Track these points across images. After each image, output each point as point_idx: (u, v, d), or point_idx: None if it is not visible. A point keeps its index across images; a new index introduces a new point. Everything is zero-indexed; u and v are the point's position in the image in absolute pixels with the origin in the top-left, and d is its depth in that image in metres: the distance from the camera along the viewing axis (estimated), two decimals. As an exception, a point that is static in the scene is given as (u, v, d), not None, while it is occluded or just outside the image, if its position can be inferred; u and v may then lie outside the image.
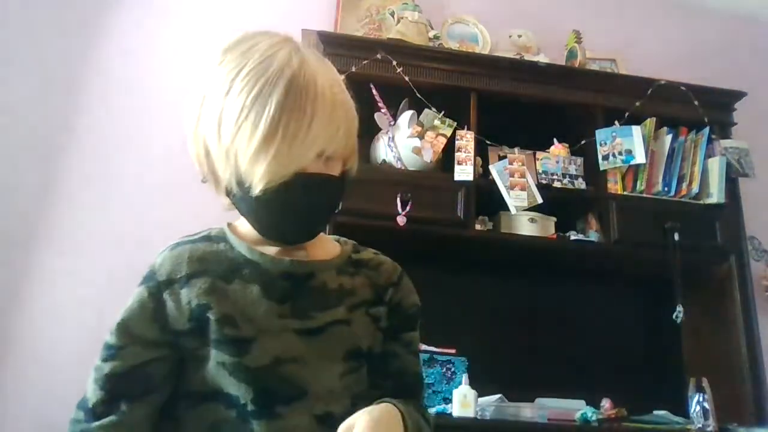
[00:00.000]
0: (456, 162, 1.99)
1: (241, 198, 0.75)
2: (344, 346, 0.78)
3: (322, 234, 0.86)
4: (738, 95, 2.29)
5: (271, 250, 0.81)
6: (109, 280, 2.12)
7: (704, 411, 1.77)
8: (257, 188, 0.69)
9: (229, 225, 0.87)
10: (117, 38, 2.40)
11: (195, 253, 0.81)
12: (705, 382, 1.80)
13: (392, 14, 2.25)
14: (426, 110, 2.05)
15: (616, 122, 2.14)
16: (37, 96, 2.26)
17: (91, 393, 0.74)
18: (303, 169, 0.71)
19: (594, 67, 2.42)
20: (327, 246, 0.87)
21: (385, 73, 2.04)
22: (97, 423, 0.71)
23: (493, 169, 2.06)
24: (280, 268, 0.79)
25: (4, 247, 2.08)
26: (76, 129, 2.26)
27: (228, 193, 0.78)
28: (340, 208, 0.88)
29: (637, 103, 2.17)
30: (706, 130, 2.19)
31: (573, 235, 2.08)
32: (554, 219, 2.09)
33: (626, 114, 2.15)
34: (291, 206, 0.74)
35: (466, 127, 2.05)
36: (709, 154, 2.18)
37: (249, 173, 0.69)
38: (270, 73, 0.69)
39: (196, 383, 0.73)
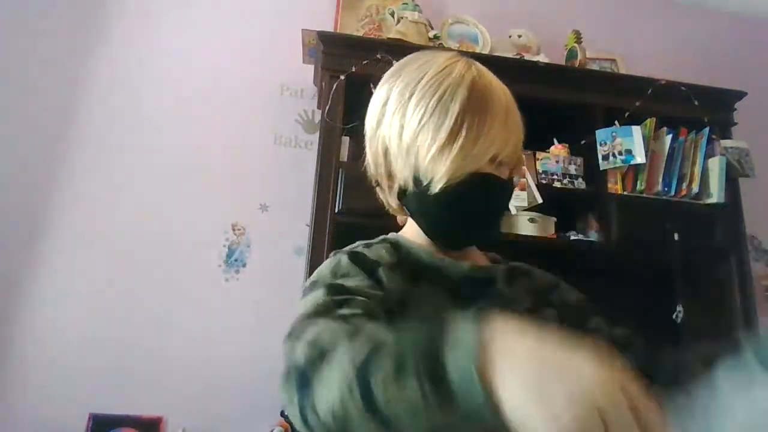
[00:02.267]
0: (456, 162, 1.99)
1: (415, 196, 0.78)
2: None
3: (476, 248, 0.87)
4: (738, 95, 2.28)
5: (448, 257, 0.81)
6: (109, 281, 2.12)
7: (704, 411, 1.77)
8: (438, 185, 0.72)
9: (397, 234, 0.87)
10: (119, 38, 2.40)
11: (382, 252, 0.80)
12: (705, 382, 1.80)
13: (392, 14, 2.25)
14: (426, 110, 2.05)
15: (616, 122, 2.14)
16: (37, 96, 2.26)
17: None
18: (480, 169, 0.74)
19: (594, 67, 2.42)
20: (479, 255, 0.88)
21: (385, 73, 2.04)
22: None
23: (493, 169, 2.06)
24: (461, 272, 0.80)
25: (4, 248, 2.08)
26: (76, 128, 2.26)
27: (401, 194, 0.80)
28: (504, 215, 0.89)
29: (637, 103, 2.16)
30: (706, 130, 2.19)
31: (573, 235, 2.08)
32: (554, 219, 2.09)
33: (626, 114, 2.14)
34: (468, 205, 0.76)
35: (466, 127, 2.05)
36: (709, 154, 2.17)
37: (430, 170, 0.73)
38: (452, 78, 0.75)
39: None
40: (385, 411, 0.47)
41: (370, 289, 0.70)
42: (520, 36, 2.42)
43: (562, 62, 2.35)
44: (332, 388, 0.51)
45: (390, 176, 0.80)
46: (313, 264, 1.83)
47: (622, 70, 2.46)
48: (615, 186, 2.11)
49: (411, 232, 0.85)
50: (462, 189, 0.73)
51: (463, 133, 0.71)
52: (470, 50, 2.31)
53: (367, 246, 0.82)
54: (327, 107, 1.98)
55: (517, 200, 2.00)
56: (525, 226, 2.02)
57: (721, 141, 2.18)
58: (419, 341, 0.48)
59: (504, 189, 0.79)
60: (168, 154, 2.29)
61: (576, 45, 2.35)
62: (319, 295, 0.69)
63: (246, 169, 2.32)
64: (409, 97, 0.75)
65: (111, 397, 1.98)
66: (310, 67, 2.35)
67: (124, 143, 2.27)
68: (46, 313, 2.05)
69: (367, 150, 0.84)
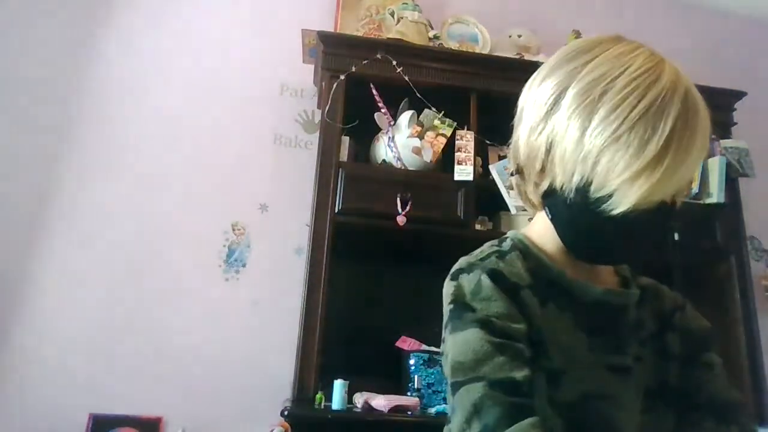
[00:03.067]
0: (456, 162, 1.99)
1: (573, 206, 0.67)
2: (642, 384, 0.70)
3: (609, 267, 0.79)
4: (738, 95, 2.28)
5: (577, 272, 0.73)
6: (109, 281, 2.12)
7: (704, 411, 1.77)
8: (620, 208, 0.62)
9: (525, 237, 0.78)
10: (117, 38, 2.40)
11: (519, 269, 0.72)
12: (705, 382, 1.80)
13: (392, 14, 2.25)
14: (426, 110, 2.05)
15: (616, 122, 2.14)
16: (36, 97, 2.26)
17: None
18: (670, 198, 0.65)
19: (594, 67, 2.41)
20: (613, 277, 0.78)
21: (385, 73, 2.04)
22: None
23: (493, 169, 2.06)
24: (593, 296, 0.72)
25: (4, 248, 2.08)
26: (76, 127, 2.27)
27: (549, 192, 0.70)
28: None
29: (637, 103, 2.16)
30: (706, 130, 2.19)
31: (573, 235, 2.08)
32: (554, 219, 2.09)
33: (626, 114, 2.14)
34: (643, 234, 0.67)
35: (466, 127, 2.05)
36: (709, 154, 2.17)
37: (614, 189, 0.62)
38: (661, 86, 0.65)
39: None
40: None
41: (513, 323, 0.65)
42: (520, 36, 2.42)
43: (562, 62, 2.35)
44: None
45: (543, 171, 0.70)
46: (313, 264, 1.83)
47: (622, 70, 2.46)
48: (615, 186, 2.11)
49: (539, 233, 0.76)
50: (646, 217, 0.63)
51: (669, 157, 0.61)
52: (470, 50, 2.31)
53: (500, 257, 0.72)
54: (327, 107, 1.98)
55: (518, 200, 2.00)
56: (525, 225, 2.02)
57: (721, 141, 2.18)
58: None
59: (673, 217, 0.69)
60: (168, 154, 2.29)
61: (576, 45, 2.35)
62: (475, 335, 0.64)
63: (246, 169, 2.32)
64: (600, 97, 0.63)
65: (111, 397, 1.98)
66: (310, 67, 2.35)
67: (124, 143, 2.27)
68: (46, 313, 2.05)
69: (527, 135, 0.72)
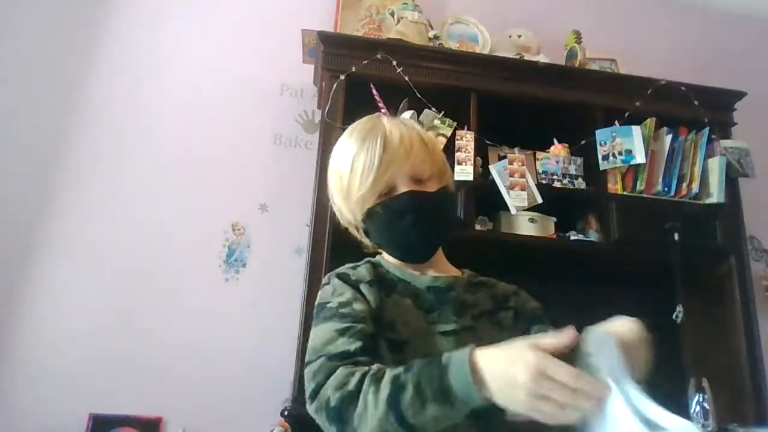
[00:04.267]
0: (456, 162, 1.99)
1: (366, 231, 1.00)
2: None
3: (446, 260, 1.03)
4: (738, 95, 2.28)
5: (416, 270, 0.98)
6: (109, 281, 2.12)
7: (704, 411, 1.77)
8: (366, 205, 0.93)
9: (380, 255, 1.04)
10: (117, 39, 2.40)
11: (364, 272, 0.97)
12: (705, 382, 1.80)
13: (392, 14, 2.25)
14: (426, 110, 2.05)
15: (616, 122, 2.14)
16: (36, 97, 2.26)
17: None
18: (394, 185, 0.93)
19: (594, 67, 2.42)
20: (450, 268, 1.03)
21: (385, 73, 2.04)
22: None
23: (493, 169, 2.06)
24: (425, 283, 0.96)
25: (4, 249, 2.08)
26: (76, 127, 2.27)
27: (363, 230, 1.01)
28: (453, 222, 1.11)
29: (637, 103, 2.17)
30: (706, 130, 2.19)
31: (573, 235, 2.08)
32: (554, 219, 2.09)
33: (626, 114, 2.14)
34: (393, 222, 0.94)
35: (466, 127, 2.05)
36: (709, 154, 2.18)
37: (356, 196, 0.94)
38: (359, 130, 1.01)
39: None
40: (416, 426, 0.70)
41: (359, 303, 0.88)
42: (520, 36, 2.42)
43: (562, 62, 2.35)
44: (370, 421, 0.72)
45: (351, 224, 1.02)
46: (313, 264, 1.83)
47: (622, 70, 2.46)
48: (615, 186, 2.11)
49: (387, 255, 1.02)
50: (392, 205, 0.93)
51: (360, 163, 0.93)
52: (470, 50, 2.31)
53: (353, 268, 0.98)
54: (327, 107, 1.98)
55: (517, 200, 2.00)
56: (525, 226, 2.02)
57: (721, 141, 2.18)
58: (427, 374, 0.71)
59: (418, 199, 0.93)
60: (168, 154, 2.29)
61: (576, 45, 2.35)
62: (326, 326, 0.86)
63: (246, 169, 2.32)
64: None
65: (111, 397, 1.98)
66: (310, 67, 2.35)
67: (124, 143, 2.27)
68: (46, 313, 2.05)
69: (342, 216, 1.05)
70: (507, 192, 2.00)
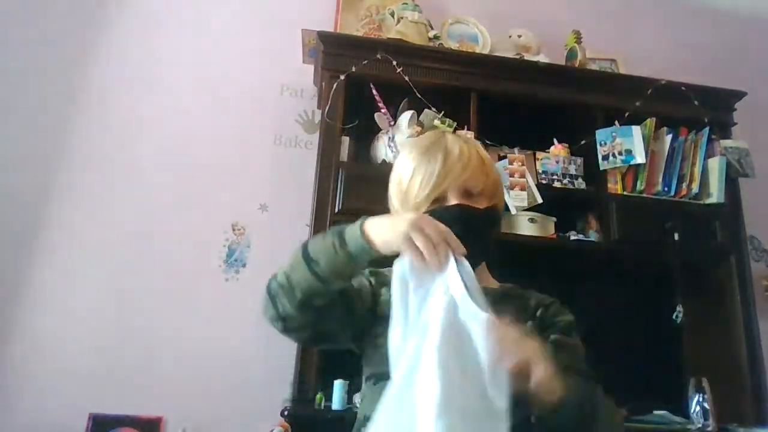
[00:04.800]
0: (456, 162, 1.98)
1: None
2: None
3: (489, 274, 1.07)
4: (738, 95, 2.28)
5: None
6: (109, 281, 2.12)
7: (704, 411, 1.77)
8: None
9: None
10: (116, 40, 2.40)
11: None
12: (705, 382, 1.80)
13: (392, 14, 2.25)
14: (426, 110, 2.05)
15: (616, 122, 2.14)
16: (37, 98, 2.26)
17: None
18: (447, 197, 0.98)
19: (594, 67, 2.41)
20: (492, 282, 1.07)
21: (385, 73, 2.04)
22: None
23: (493, 169, 2.06)
24: None
25: (4, 249, 2.08)
26: (76, 127, 2.27)
27: None
28: (490, 241, 1.07)
29: (637, 103, 2.17)
30: (706, 130, 2.19)
31: (573, 235, 2.08)
32: (554, 219, 2.09)
33: (626, 114, 2.14)
34: None
35: (466, 127, 2.05)
36: (709, 154, 2.18)
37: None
38: (421, 143, 1.06)
39: (374, 365, 0.94)
40: (312, 255, 0.86)
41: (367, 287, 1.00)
42: (520, 36, 2.42)
43: (562, 62, 2.35)
44: (288, 262, 0.90)
45: None
46: (313, 264, 1.82)
47: (622, 70, 2.46)
48: (615, 186, 2.11)
49: None
50: (440, 215, 0.93)
51: (419, 173, 0.99)
52: (470, 50, 2.31)
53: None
54: (327, 107, 1.98)
55: (517, 200, 2.00)
56: (525, 226, 2.02)
57: (721, 141, 2.18)
58: (336, 229, 0.86)
59: (464, 213, 0.96)
60: (168, 154, 2.29)
61: (576, 45, 2.35)
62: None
63: (246, 169, 2.32)
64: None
65: (111, 397, 1.98)
66: (310, 67, 2.35)
67: (124, 143, 2.27)
68: (46, 313, 2.05)
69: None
70: (507, 192, 2.00)
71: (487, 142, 2.11)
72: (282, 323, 0.93)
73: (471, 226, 0.95)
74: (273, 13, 2.53)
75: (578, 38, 2.38)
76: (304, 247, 0.88)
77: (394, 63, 2.05)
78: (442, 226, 0.81)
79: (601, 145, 2.12)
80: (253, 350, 2.10)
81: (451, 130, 2.03)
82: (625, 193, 2.11)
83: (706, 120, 2.20)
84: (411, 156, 1.03)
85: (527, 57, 2.29)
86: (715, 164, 2.14)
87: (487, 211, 1.01)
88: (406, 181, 1.01)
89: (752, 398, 1.97)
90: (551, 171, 2.13)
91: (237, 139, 2.35)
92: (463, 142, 1.04)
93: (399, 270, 0.80)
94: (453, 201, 0.98)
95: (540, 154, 2.16)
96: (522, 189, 2.01)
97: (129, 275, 2.13)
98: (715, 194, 2.11)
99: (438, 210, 0.96)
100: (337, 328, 0.96)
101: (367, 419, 0.88)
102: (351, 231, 0.84)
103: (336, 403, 1.69)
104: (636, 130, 2.11)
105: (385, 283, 0.97)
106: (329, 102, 1.98)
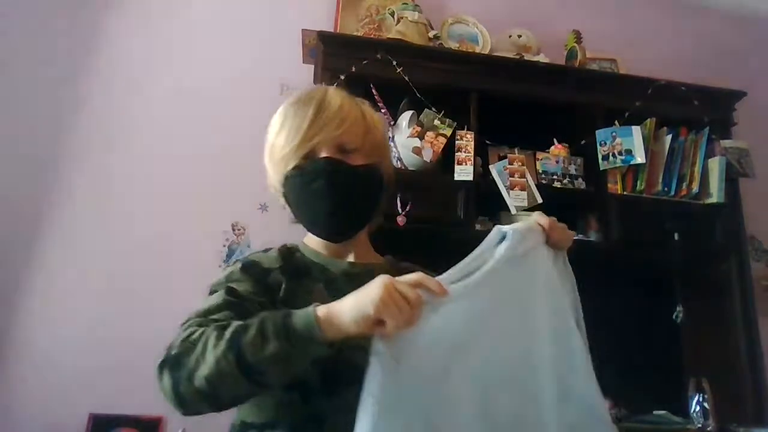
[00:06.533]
0: (456, 162, 1.99)
1: (285, 198, 0.99)
2: None
3: (371, 248, 1.03)
4: (738, 95, 2.29)
5: (333, 253, 0.98)
6: (109, 281, 2.12)
7: (704, 411, 1.77)
8: (288, 166, 0.93)
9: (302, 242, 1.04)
10: (116, 39, 2.40)
11: (274, 256, 0.97)
12: (705, 382, 1.80)
13: (392, 14, 2.25)
14: (426, 110, 2.05)
15: (616, 122, 2.14)
16: (36, 94, 2.26)
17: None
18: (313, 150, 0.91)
19: (594, 67, 2.42)
20: (372, 255, 1.03)
21: (385, 73, 2.04)
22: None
23: (493, 169, 2.06)
24: (341, 268, 0.96)
25: (4, 249, 2.08)
26: (76, 127, 2.26)
27: (283, 197, 1.00)
28: (376, 203, 1.01)
29: (637, 103, 2.17)
30: (706, 130, 2.19)
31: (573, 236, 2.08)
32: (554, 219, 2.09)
33: (626, 114, 2.15)
34: (310, 188, 0.91)
35: (466, 127, 2.05)
36: (709, 154, 2.18)
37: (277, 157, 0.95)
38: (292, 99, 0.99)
39: None
40: (254, 365, 0.69)
41: (254, 296, 0.86)
42: (520, 36, 2.42)
43: (562, 62, 2.35)
44: (207, 360, 0.70)
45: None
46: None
47: (622, 70, 2.46)
48: (615, 186, 2.11)
49: (308, 237, 1.03)
50: (309, 168, 0.92)
51: (287, 126, 0.93)
52: (470, 50, 2.31)
53: (265, 252, 0.99)
54: (327, 107, 1.98)
55: (517, 200, 2.00)
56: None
57: (721, 141, 2.18)
58: (272, 317, 0.72)
59: (337, 168, 0.91)
60: (168, 154, 2.28)
61: (576, 45, 2.35)
62: (217, 295, 0.85)
63: (246, 169, 2.31)
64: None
65: (111, 397, 1.98)
66: (310, 67, 2.35)
67: (124, 143, 2.27)
68: (46, 313, 2.05)
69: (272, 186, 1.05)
70: (507, 192, 2.00)
71: (487, 142, 2.11)
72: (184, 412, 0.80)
73: (339, 182, 0.90)
74: (273, 13, 2.53)
75: (578, 38, 2.38)
76: (237, 356, 0.69)
77: (394, 63, 2.05)
78: (409, 277, 0.73)
79: (601, 145, 2.12)
80: (253, 350, 2.09)
81: (451, 130, 2.03)
82: (625, 193, 2.11)
83: (706, 120, 2.20)
84: (283, 108, 0.96)
85: (527, 57, 2.29)
86: (715, 164, 2.14)
87: (361, 168, 0.93)
88: (275, 133, 0.94)
89: (752, 398, 1.97)
90: (551, 171, 2.13)
91: (237, 139, 2.35)
92: (347, 97, 0.98)
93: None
94: (323, 155, 0.91)
95: (540, 154, 2.16)
96: (522, 189, 2.01)
97: (129, 275, 2.13)
98: (715, 194, 2.11)
99: (302, 164, 0.91)
100: None
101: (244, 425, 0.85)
102: (303, 326, 0.71)
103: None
104: (636, 130, 2.11)
105: (262, 270, 0.92)
106: (329, 102, 1.98)
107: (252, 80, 2.42)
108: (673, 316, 1.98)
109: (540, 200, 2.03)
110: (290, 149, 0.90)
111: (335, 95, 0.96)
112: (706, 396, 1.77)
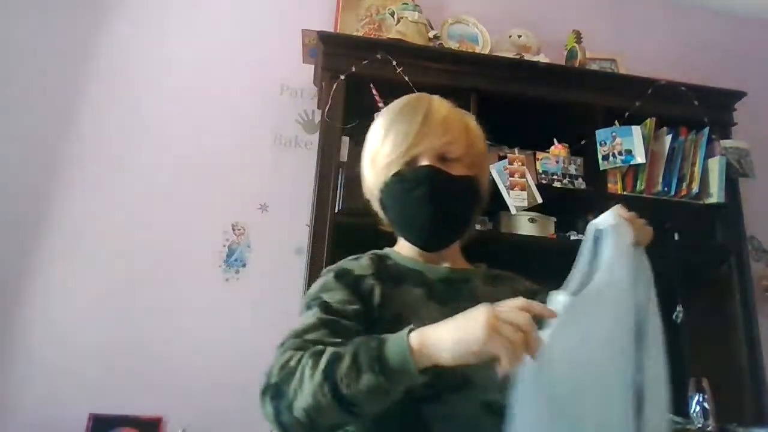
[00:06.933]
0: (456, 162, 1.98)
1: (384, 208, 0.97)
2: None
3: (459, 254, 1.01)
4: (738, 95, 2.28)
5: (429, 260, 0.96)
6: (109, 281, 2.12)
7: (704, 411, 1.77)
8: (389, 173, 0.93)
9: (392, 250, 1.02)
10: (119, 37, 2.40)
11: (366, 264, 0.94)
12: (705, 382, 1.80)
13: (392, 14, 2.25)
14: (426, 110, 2.04)
15: (616, 122, 2.14)
16: (37, 94, 2.26)
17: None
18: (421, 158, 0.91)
19: (594, 67, 2.42)
20: (464, 262, 1.02)
21: (385, 73, 2.04)
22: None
23: (493, 169, 2.06)
24: (439, 274, 0.94)
25: (4, 249, 2.08)
26: (76, 127, 2.26)
27: (380, 206, 0.98)
28: (472, 215, 1.01)
29: (637, 103, 2.16)
30: (706, 130, 2.19)
31: (573, 235, 2.08)
32: (554, 219, 2.09)
33: (626, 114, 2.14)
34: (413, 197, 0.90)
35: (466, 127, 2.05)
36: (709, 154, 2.18)
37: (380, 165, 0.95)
38: (396, 105, 1.01)
39: None
40: (348, 398, 0.67)
41: (349, 305, 0.84)
42: (520, 36, 2.42)
43: (562, 62, 2.35)
44: (305, 391, 0.69)
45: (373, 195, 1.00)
46: (313, 264, 1.83)
47: (622, 70, 2.46)
48: (615, 186, 2.11)
49: (400, 244, 1.01)
50: (411, 176, 0.91)
51: (392, 134, 0.93)
52: (470, 50, 2.31)
53: (356, 260, 0.95)
54: (327, 107, 1.98)
55: (517, 200, 2.00)
56: (525, 226, 2.02)
57: (721, 141, 2.18)
58: (365, 346, 0.69)
59: (446, 179, 0.90)
60: (168, 154, 2.29)
61: (576, 45, 2.35)
62: (311, 313, 0.83)
63: (246, 169, 2.32)
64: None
65: (111, 397, 1.98)
66: (310, 67, 2.35)
67: (124, 143, 2.27)
68: (46, 313, 2.05)
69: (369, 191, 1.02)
70: (507, 192, 2.00)
71: (487, 142, 2.10)
72: None
73: (440, 191, 0.90)
74: (273, 13, 2.53)
75: (578, 38, 2.38)
76: (333, 388, 0.68)
77: (394, 63, 2.04)
78: (511, 303, 0.68)
79: (601, 145, 2.12)
80: (253, 350, 2.09)
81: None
82: (625, 193, 2.11)
83: (706, 120, 2.20)
84: (388, 114, 0.96)
85: (527, 57, 2.29)
86: (715, 164, 2.14)
87: (462, 179, 0.93)
88: (380, 140, 0.95)
89: (752, 398, 1.97)
90: (551, 171, 2.13)
91: (237, 139, 2.35)
92: (451, 107, 0.98)
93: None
94: (424, 163, 0.91)
95: (540, 154, 2.16)
96: (522, 189, 2.01)
97: (129, 275, 2.13)
98: (715, 194, 2.11)
99: (404, 170, 0.91)
100: None
101: None
102: (397, 359, 0.67)
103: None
104: (636, 130, 2.11)
105: (362, 276, 0.90)
106: (329, 102, 1.98)
107: (252, 80, 2.42)
108: (673, 316, 1.97)
109: (540, 200, 2.03)
110: (397, 155, 0.91)
111: (441, 104, 0.97)
112: (706, 396, 1.77)
